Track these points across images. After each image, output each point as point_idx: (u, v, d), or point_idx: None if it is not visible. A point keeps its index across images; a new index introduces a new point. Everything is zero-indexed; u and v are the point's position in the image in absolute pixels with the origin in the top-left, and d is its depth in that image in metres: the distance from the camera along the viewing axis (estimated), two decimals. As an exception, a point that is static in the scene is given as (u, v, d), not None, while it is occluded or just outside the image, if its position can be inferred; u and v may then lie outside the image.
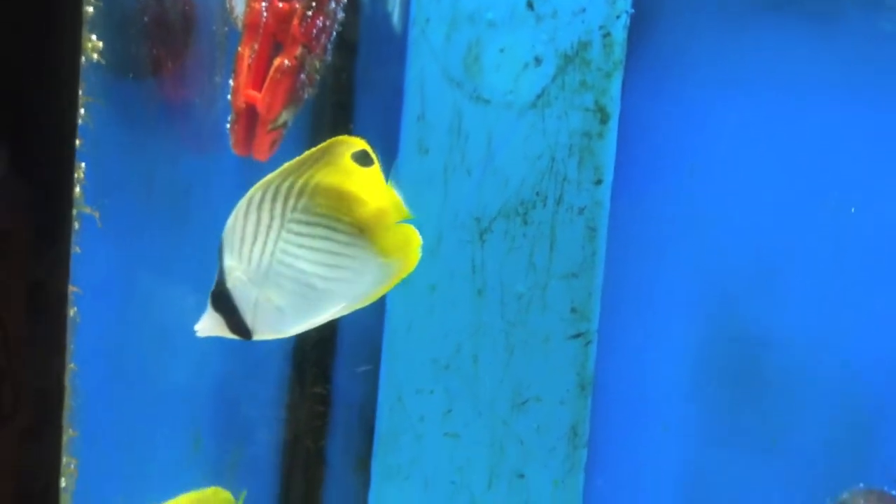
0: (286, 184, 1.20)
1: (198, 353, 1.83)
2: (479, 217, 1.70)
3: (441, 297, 1.71)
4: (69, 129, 0.75)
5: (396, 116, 1.70)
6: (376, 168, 1.22)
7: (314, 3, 1.62)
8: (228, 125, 1.64)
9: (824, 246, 1.79)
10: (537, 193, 1.69)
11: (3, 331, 0.72)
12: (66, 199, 0.76)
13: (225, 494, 1.58)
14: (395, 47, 1.75)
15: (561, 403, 1.72)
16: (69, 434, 1.18)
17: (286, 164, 1.21)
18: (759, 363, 1.81)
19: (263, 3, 1.62)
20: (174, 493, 1.81)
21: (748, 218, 1.81)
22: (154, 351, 1.81)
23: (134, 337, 1.79)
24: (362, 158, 1.21)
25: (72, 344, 0.94)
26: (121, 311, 1.77)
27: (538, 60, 1.68)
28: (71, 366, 1.01)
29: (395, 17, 1.81)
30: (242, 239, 1.21)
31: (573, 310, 1.71)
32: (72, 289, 0.78)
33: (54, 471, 0.76)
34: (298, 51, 1.61)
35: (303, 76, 1.62)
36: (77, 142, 0.77)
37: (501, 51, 1.67)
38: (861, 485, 1.72)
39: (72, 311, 1.06)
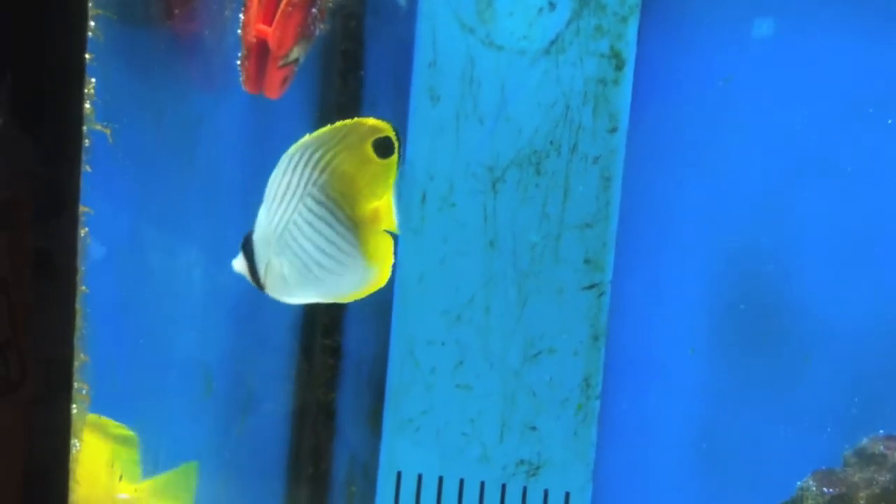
0: (317, 154, 1.20)
1: (209, 296, 1.82)
2: (492, 166, 1.67)
3: (453, 248, 1.69)
4: (76, 92, 0.72)
5: (408, 63, 1.67)
6: (394, 161, 1.21)
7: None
8: (238, 61, 1.60)
9: (844, 198, 1.76)
10: (551, 142, 1.67)
11: (7, 297, 0.70)
12: (75, 159, 0.74)
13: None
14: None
15: (574, 355, 1.70)
16: (82, 360, 1.18)
17: (322, 130, 1.21)
18: (773, 313, 1.80)
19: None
20: (186, 438, 1.82)
21: (766, 168, 1.77)
22: (164, 287, 1.80)
23: (144, 270, 1.79)
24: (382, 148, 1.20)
25: (83, 266, 0.92)
26: (132, 235, 1.77)
27: (552, 5, 1.65)
28: (83, 288, 1.00)
29: (407, -39, 1.77)
30: (275, 196, 1.22)
31: (587, 260, 1.69)
32: (83, 209, 0.76)
33: (64, 438, 0.75)
34: (309, -17, 1.57)
35: (314, 10, 1.58)
36: (87, 56, 0.74)
37: (515, -5, 1.64)
38: (881, 431, 1.71)
39: (83, 232, 1.04)
